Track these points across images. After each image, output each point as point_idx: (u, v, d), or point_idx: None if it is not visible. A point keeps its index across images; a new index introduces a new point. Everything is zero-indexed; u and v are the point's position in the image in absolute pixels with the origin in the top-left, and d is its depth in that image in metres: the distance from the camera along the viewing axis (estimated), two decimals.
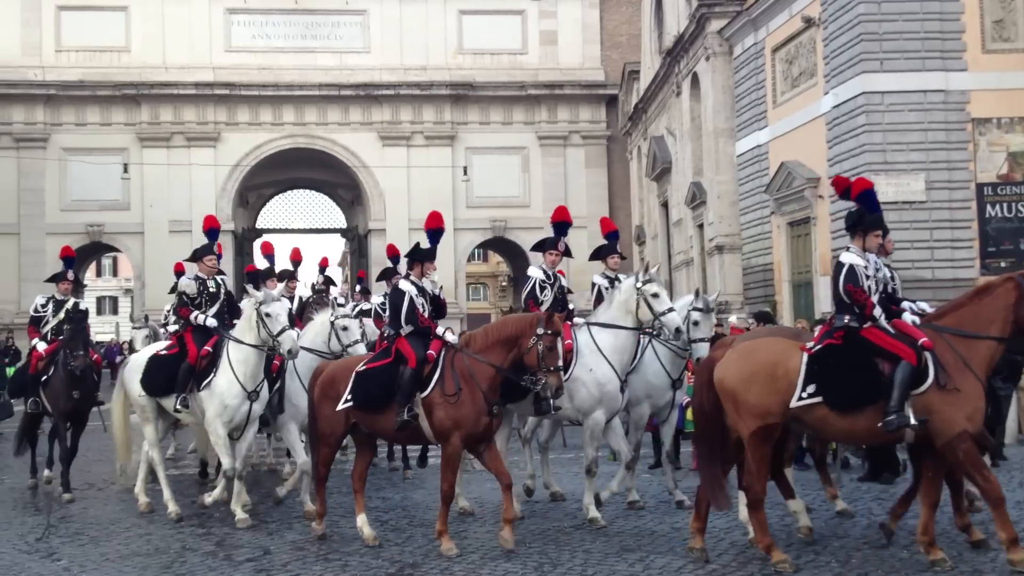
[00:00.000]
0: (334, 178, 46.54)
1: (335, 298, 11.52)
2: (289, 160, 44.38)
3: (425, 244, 9.47)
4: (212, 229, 11.37)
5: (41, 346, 12.06)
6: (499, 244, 47.31)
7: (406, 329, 8.88)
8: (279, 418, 10.68)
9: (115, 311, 71.49)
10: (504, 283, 66.97)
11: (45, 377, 11.82)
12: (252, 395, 9.93)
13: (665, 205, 38.87)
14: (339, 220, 49.06)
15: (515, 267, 50.65)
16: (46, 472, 12.62)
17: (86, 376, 11.61)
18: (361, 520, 8.98)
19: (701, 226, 33.41)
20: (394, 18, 43.62)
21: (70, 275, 12.79)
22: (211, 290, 10.72)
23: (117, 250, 46.63)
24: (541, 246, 10.90)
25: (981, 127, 23.26)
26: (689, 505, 10.16)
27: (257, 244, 49.65)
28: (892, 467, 9.98)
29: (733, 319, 20.62)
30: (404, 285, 9.10)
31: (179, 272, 15.18)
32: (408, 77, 43.42)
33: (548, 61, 44.63)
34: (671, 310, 9.77)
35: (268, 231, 48.27)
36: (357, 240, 45.95)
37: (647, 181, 41.13)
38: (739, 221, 30.48)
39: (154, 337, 14.13)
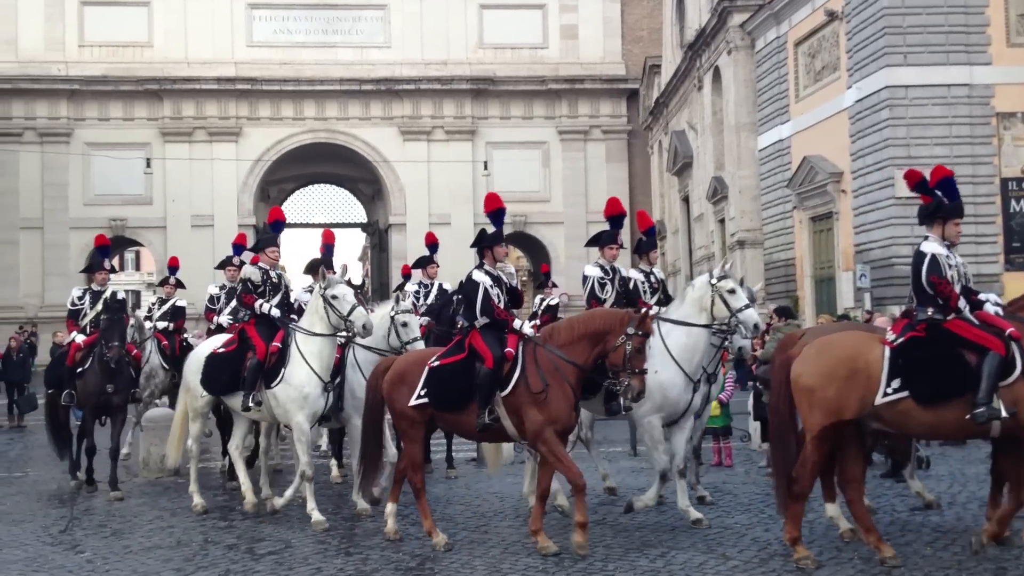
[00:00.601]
0: (355, 173, 46.64)
1: (397, 292, 11.18)
2: (310, 155, 44.49)
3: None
4: (277, 221, 11.07)
5: (79, 338, 11.77)
6: (519, 239, 47.22)
7: (480, 322, 8.54)
8: (342, 412, 10.32)
9: (137, 305, 71.87)
10: (524, 278, 66.98)
11: (80, 369, 11.53)
12: (329, 386, 9.69)
13: (686, 200, 38.76)
14: (360, 215, 49.19)
15: (535, 262, 50.60)
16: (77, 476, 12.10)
17: (121, 369, 11.34)
18: (390, 509, 8.76)
19: (722, 221, 33.30)
20: (415, 13, 43.65)
21: (107, 264, 12.49)
22: (273, 281, 10.47)
23: (140, 244, 46.91)
24: (597, 241, 10.51)
25: (1006, 121, 23.09)
26: (711, 501, 10.10)
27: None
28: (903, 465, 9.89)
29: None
30: (478, 275, 8.73)
31: (223, 265, 14.66)
32: (429, 72, 43.45)
33: (569, 55, 44.54)
34: (748, 306, 9.42)
35: (289, 226, 48.39)
36: (378, 235, 46.04)
37: (668, 176, 41.02)
38: (761, 216, 30.35)
39: (140, 331, 13.70)
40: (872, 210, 23.95)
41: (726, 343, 9.93)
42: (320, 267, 10.17)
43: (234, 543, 8.89)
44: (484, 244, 8.96)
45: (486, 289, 8.60)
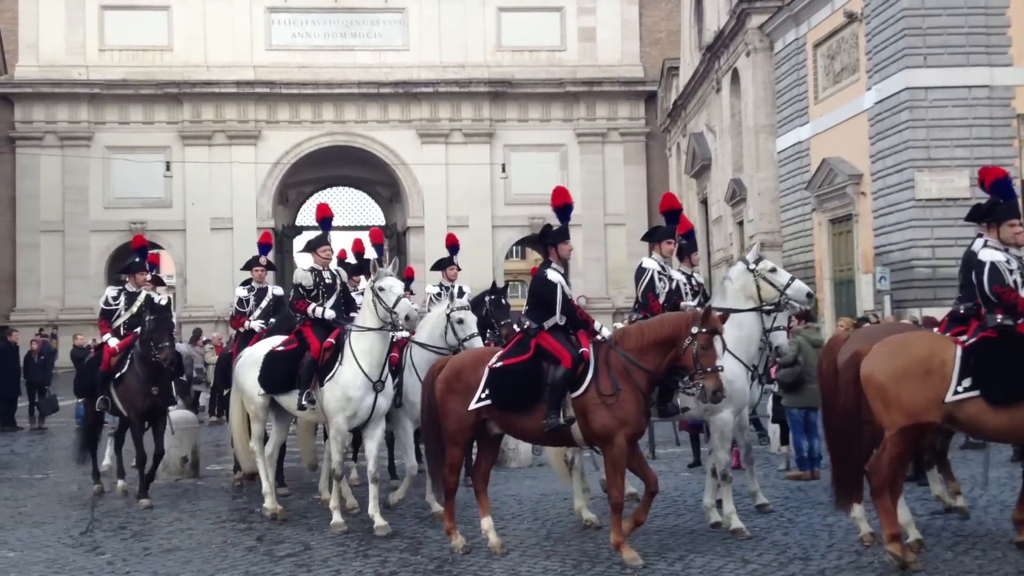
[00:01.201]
0: (373, 176, 46.76)
1: (453, 289, 11.03)
2: (329, 158, 44.63)
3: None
4: (325, 218, 10.77)
5: (113, 342, 11.39)
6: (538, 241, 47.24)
7: (549, 323, 8.34)
8: (395, 414, 10.15)
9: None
10: None
11: (119, 374, 11.13)
12: (377, 385, 9.40)
13: (704, 202, 38.67)
14: (378, 217, 49.29)
15: None
16: (120, 483, 11.75)
17: (163, 371, 10.99)
18: (486, 524, 8.44)
19: (741, 223, 33.20)
20: (433, 16, 43.73)
21: (146, 266, 12.09)
22: (327, 282, 10.24)
23: (159, 247, 47.11)
24: (652, 236, 10.26)
25: None
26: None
27: (298, 241, 50.05)
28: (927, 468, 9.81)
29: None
30: (552, 275, 8.47)
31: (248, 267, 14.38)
32: (447, 75, 43.52)
33: (587, 58, 44.54)
34: (793, 279, 9.27)
35: (308, 228, 48.54)
36: (396, 237, 46.11)
37: (686, 178, 40.93)
38: (779, 218, 30.26)
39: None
40: (892, 212, 23.83)
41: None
42: (371, 262, 10.06)
43: (253, 545, 8.92)
44: (549, 241, 8.73)
45: (564, 289, 8.43)
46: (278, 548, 8.77)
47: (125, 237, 40.98)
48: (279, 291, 13.01)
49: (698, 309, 8.35)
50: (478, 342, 10.04)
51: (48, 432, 19.15)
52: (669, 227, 10.27)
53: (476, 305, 12.03)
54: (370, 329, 9.36)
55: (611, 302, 41.63)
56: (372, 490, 9.35)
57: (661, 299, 9.65)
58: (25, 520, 10.31)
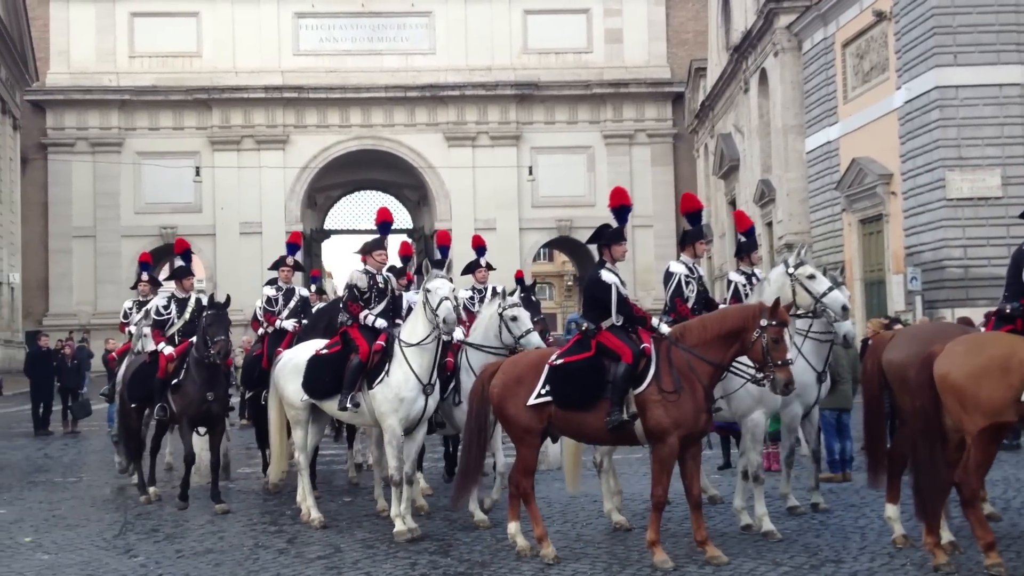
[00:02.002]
0: (400, 179, 46.92)
1: (500, 289, 10.94)
2: (356, 161, 44.85)
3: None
4: (385, 222, 10.60)
5: (168, 349, 11.26)
6: (564, 243, 47.29)
7: (607, 323, 8.27)
8: (455, 416, 10.07)
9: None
10: (570, 283, 66.91)
11: (176, 381, 11.02)
12: (428, 388, 9.30)
13: (733, 203, 38.52)
14: (405, 220, 49.47)
15: (581, 266, 50.57)
16: (151, 489, 11.65)
17: (220, 377, 10.90)
18: (513, 528, 8.35)
19: (770, 224, 33.05)
20: (459, 19, 43.84)
21: (193, 270, 12.05)
22: (380, 286, 10.06)
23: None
24: (684, 239, 10.11)
25: None
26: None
27: (326, 245, 50.25)
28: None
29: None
30: (607, 276, 8.40)
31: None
32: (473, 77, 43.61)
33: (613, 59, 44.52)
34: (832, 288, 9.14)
35: (336, 232, 48.93)
36: (423, 240, 46.21)
37: (714, 179, 40.80)
38: (809, 219, 30.10)
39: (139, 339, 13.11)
40: (923, 212, 23.65)
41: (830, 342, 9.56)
42: (424, 263, 10.01)
43: (284, 547, 8.96)
44: (603, 241, 8.63)
45: (619, 289, 8.38)
46: (309, 551, 8.80)
47: (156, 242, 41.38)
48: (305, 292, 13.02)
49: (762, 303, 8.25)
50: (535, 338, 9.85)
51: (81, 436, 19.33)
52: (697, 228, 10.17)
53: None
54: (413, 345, 9.26)
55: (639, 304, 41.48)
56: (405, 492, 9.27)
57: (690, 302, 9.56)
58: (59, 523, 10.40)
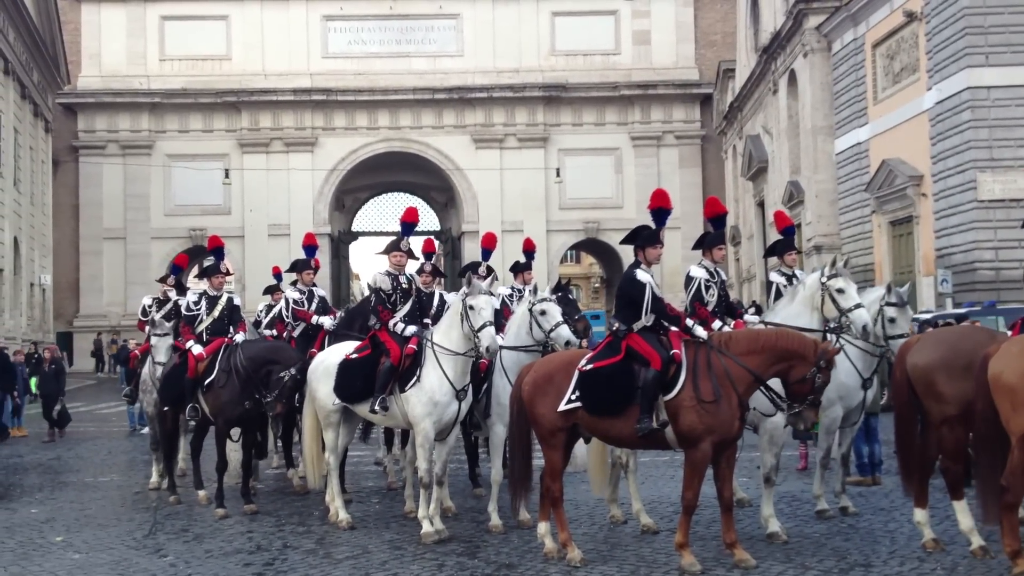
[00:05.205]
0: (428, 181, 47.02)
1: (532, 286, 10.92)
2: (384, 164, 44.98)
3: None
4: (407, 223, 10.41)
5: (197, 348, 11.09)
6: (592, 245, 47.21)
7: (638, 325, 8.19)
8: (487, 420, 10.05)
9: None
10: (597, 284, 66.84)
11: (208, 380, 10.89)
12: (460, 393, 9.28)
13: (761, 205, 38.35)
14: (433, 223, 49.58)
15: (608, 268, 50.48)
16: (201, 492, 11.50)
17: (253, 380, 10.67)
18: (543, 528, 8.37)
19: (799, 226, 32.85)
20: (487, 21, 43.89)
21: (223, 267, 11.86)
22: (403, 287, 10.04)
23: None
24: (702, 243, 10.05)
25: None
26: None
27: (354, 247, 50.38)
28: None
29: None
30: (642, 276, 8.31)
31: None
32: (501, 80, 43.64)
33: (641, 61, 44.42)
34: (859, 306, 9.15)
35: (363, 234, 49.07)
36: (451, 242, 46.33)
37: (743, 180, 40.63)
38: (838, 220, 29.93)
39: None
40: (954, 214, 23.45)
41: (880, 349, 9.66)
42: (468, 271, 9.94)
43: (313, 548, 9.00)
44: (638, 243, 8.51)
45: (653, 289, 8.30)
46: (337, 551, 8.84)
47: (185, 244, 41.67)
48: (323, 292, 13.13)
49: (818, 339, 8.32)
50: (565, 330, 9.74)
51: (111, 436, 19.48)
52: (718, 232, 10.14)
53: None
54: (448, 351, 9.23)
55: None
56: (435, 493, 9.29)
57: (710, 307, 9.52)
58: (90, 522, 10.49)
